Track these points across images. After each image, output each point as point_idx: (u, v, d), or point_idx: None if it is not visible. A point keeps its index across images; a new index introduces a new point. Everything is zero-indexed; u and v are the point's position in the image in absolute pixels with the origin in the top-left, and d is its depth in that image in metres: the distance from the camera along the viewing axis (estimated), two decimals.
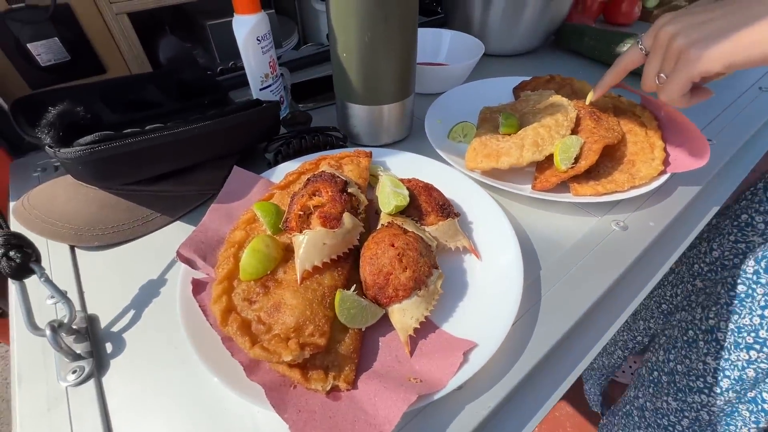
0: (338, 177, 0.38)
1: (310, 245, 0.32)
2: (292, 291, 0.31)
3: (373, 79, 0.48)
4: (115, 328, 0.34)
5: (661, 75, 0.38)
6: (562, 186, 0.45)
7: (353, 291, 0.31)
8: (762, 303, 0.53)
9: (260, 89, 0.56)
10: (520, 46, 0.80)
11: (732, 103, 0.63)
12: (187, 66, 0.60)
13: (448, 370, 0.28)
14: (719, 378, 0.60)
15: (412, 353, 0.31)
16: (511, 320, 0.31)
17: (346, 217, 0.34)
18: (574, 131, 0.48)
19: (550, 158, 0.45)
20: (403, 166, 0.48)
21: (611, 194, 0.43)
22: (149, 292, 0.37)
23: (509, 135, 0.48)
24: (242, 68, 0.55)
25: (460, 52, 0.72)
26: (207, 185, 0.46)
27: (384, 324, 0.32)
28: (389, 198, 0.37)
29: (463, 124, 0.54)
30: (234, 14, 0.51)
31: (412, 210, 0.39)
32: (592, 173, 0.45)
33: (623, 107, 0.53)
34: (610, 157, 0.47)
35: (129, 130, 0.39)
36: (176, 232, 0.43)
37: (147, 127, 0.40)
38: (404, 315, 0.31)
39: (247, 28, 0.50)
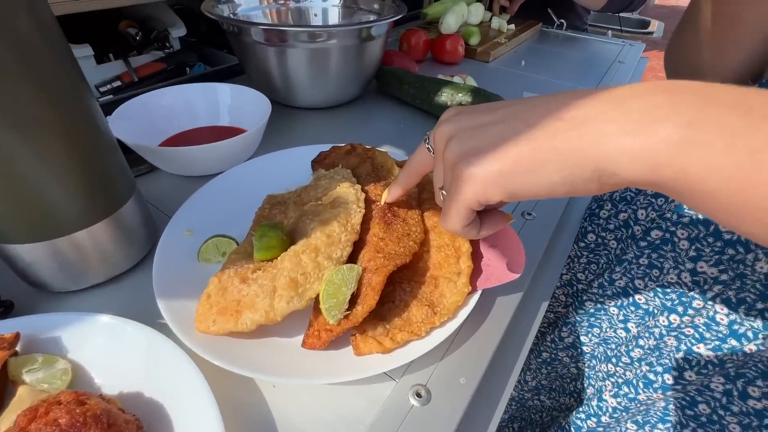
0: None
1: None
2: None
3: (24, 207, 0.28)
4: None
5: (443, 191, 0.27)
6: (345, 338, 0.30)
7: None
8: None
9: None
10: (336, 97, 0.67)
11: None
12: None
13: None
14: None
15: None
16: None
17: None
18: (359, 241, 0.34)
19: (318, 301, 0.31)
20: (93, 343, 0.29)
21: (405, 347, 0.29)
22: None
23: (267, 261, 0.33)
24: None
25: (246, 109, 0.56)
26: None
27: None
28: None
29: (216, 240, 0.37)
30: None
31: None
32: (384, 306, 0.32)
33: (431, 187, 0.42)
34: (408, 273, 0.34)
35: None
36: None
37: None
38: None
39: None
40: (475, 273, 0.34)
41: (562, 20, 1.15)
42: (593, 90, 0.21)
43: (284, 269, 0.30)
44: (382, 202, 0.36)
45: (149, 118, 0.52)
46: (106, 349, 0.29)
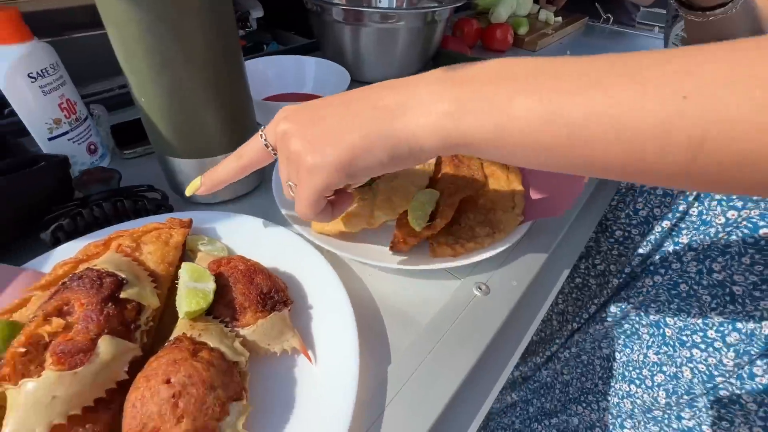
0: (109, 276, 0.27)
1: (28, 405, 0.21)
2: None
3: (191, 129, 0.39)
4: None
5: (290, 184, 0.30)
6: (424, 245, 0.39)
7: None
8: (648, 343, 0.54)
9: (49, 139, 0.43)
10: (399, 73, 0.76)
11: None
12: None
13: None
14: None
15: None
16: None
17: (104, 344, 0.24)
18: (434, 178, 0.43)
19: (406, 215, 0.40)
20: (237, 233, 0.39)
21: (471, 254, 0.38)
22: None
23: (364, 187, 0.42)
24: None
25: (327, 81, 0.65)
26: None
27: None
28: (182, 299, 0.28)
29: None
30: None
31: (222, 308, 0.30)
32: (452, 229, 0.40)
33: None
34: (472, 206, 0.43)
35: None
36: None
37: None
38: None
39: (8, 64, 0.37)
40: (526, 208, 0.42)
41: (609, 15, 1.19)
42: (398, 81, 0.26)
43: (380, 191, 0.40)
44: (187, 194, 0.37)
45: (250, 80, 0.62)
46: (250, 239, 0.39)
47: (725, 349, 0.47)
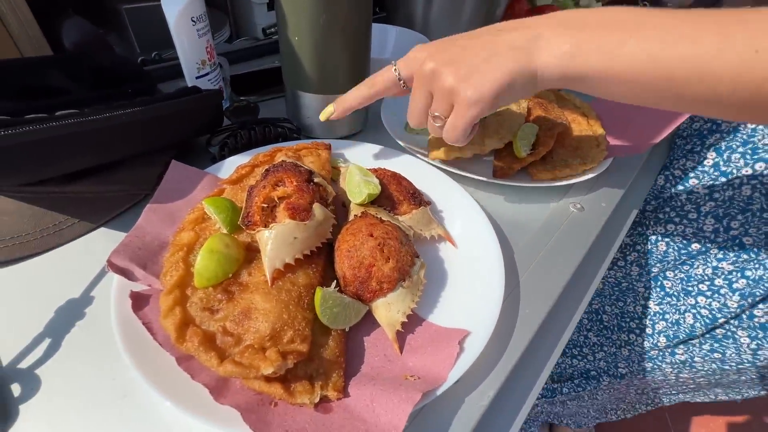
0: (302, 167, 0.34)
1: (279, 241, 0.28)
2: (263, 294, 0.26)
3: (328, 65, 0.45)
4: (24, 364, 0.26)
5: (436, 115, 0.34)
6: (520, 173, 0.46)
7: (334, 288, 0.28)
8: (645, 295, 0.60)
9: (197, 77, 0.50)
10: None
11: None
12: (102, 50, 0.51)
13: (446, 362, 0.26)
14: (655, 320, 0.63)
15: (402, 350, 0.28)
16: (499, 304, 0.30)
17: (317, 208, 0.31)
18: (527, 119, 0.49)
19: (507, 147, 0.46)
20: (365, 157, 0.45)
21: (567, 178, 0.44)
22: (70, 314, 0.29)
23: None
24: (167, 60, 0.49)
25: (406, 48, 0.71)
26: (136, 185, 0.39)
27: (367, 322, 0.29)
28: (360, 187, 0.35)
29: None
30: None
31: (383, 200, 0.36)
32: (547, 160, 0.47)
33: (565, 99, 0.57)
34: (560, 144, 0.49)
35: (31, 116, 0.31)
36: (101, 241, 0.36)
37: (56, 114, 0.32)
38: (390, 309, 0.28)
39: (180, 7, 0.44)
40: (608, 148, 0.49)
41: (646, 2, 1.24)
42: (521, 23, 0.31)
43: (489, 123, 0.46)
44: (322, 119, 0.42)
45: None
46: (375, 163, 0.45)
47: (731, 294, 0.51)
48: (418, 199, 0.37)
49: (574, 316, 0.36)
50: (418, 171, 0.44)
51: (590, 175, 0.45)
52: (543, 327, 0.33)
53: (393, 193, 0.37)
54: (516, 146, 0.44)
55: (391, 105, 0.56)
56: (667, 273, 0.60)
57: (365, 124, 0.55)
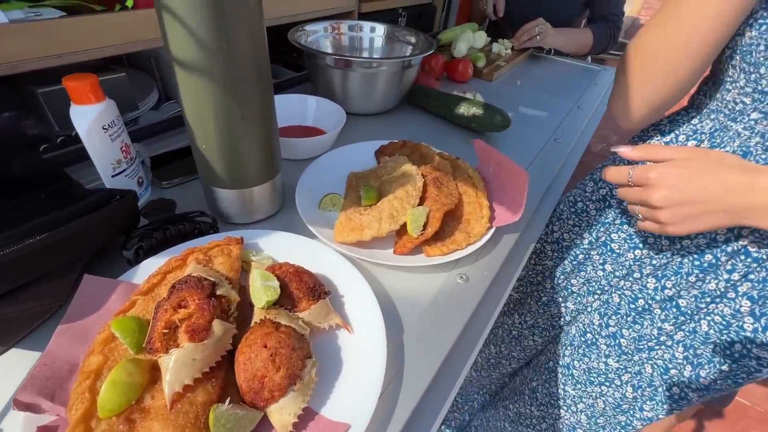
0: (205, 280, 0.38)
1: (178, 365, 0.32)
2: (162, 420, 0.30)
3: (237, 166, 0.50)
4: None
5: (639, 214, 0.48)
6: (418, 248, 0.53)
7: (228, 403, 0.32)
8: (606, 352, 0.68)
9: (112, 176, 0.52)
10: (380, 107, 0.90)
11: (534, 158, 0.81)
12: (14, 153, 0.53)
13: None
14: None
15: None
16: (377, 394, 0.35)
17: (216, 325, 0.35)
18: (422, 198, 0.57)
19: (404, 226, 0.53)
20: (276, 246, 0.50)
21: (453, 253, 0.52)
22: None
23: (370, 206, 0.55)
24: None
25: (326, 116, 0.78)
26: (50, 299, 0.41)
27: (265, 424, 0.34)
28: (260, 293, 0.39)
29: (331, 196, 0.59)
30: (71, 103, 0.47)
31: (284, 299, 0.41)
32: (438, 235, 0.54)
33: (460, 168, 0.65)
34: (451, 217, 0.57)
35: None
36: (13, 363, 0.38)
37: None
38: (282, 413, 0.33)
39: (90, 119, 0.47)
40: (491, 218, 0.57)
41: (552, 48, 1.39)
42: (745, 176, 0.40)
43: (385, 208, 0.53)
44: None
45: None
46: (286, 248, 0.50)
47: (675, 345, 0.59)
48: (317, 292, 0.43)
49: (450, 393, 0.42)
50: (322, 256, 0.49)
51: (474, 248, 0.52)
52: (422, 403, 0.39)
53: (293, 292, 0.42)
54: (408, 228, 0.51)
55: (308, 181, 0.62)
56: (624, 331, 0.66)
57: (283, 203, 0.60)
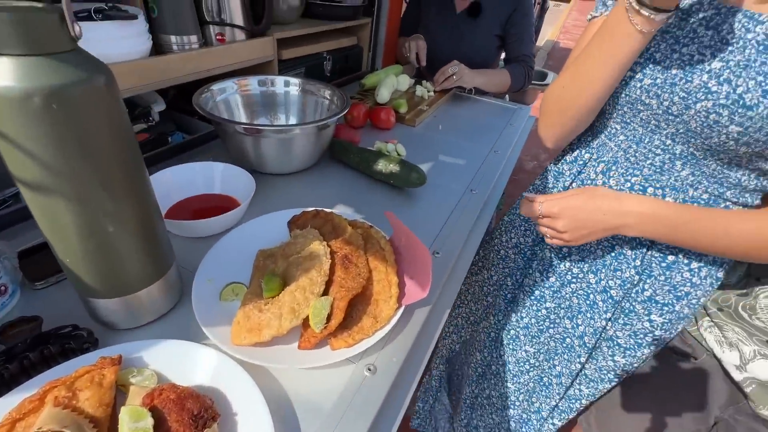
0: None
1: None
2: None
3: (113, 276, 0.45)
4: None
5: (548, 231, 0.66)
6: (325, 340, 0.51)
7: None
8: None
9: None
10: (298, 166, 0.88)
11: (452, 211, 0.83)
12: None
13: None
14: None
15: None
16: None
17: None
18: (329, 281, 0.55)
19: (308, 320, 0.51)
20: (163, 359, 0.46)
21: (361, 342, 0.50)
22: None
23: (272, 297, 0.52)
24: None
25: (234, 183, 0.74)
26: None
27: None
28: None
29: (233, 286, 0.56)
30: None
31: None
32: (346, 322, 0.52)
33: (373, 239, 0.64)
34: (360, 299, 0.55)
35: None
36: None
37: None
38: None
39: None
40: (400, 295, 0.56)
41: (472, 88, 1.47)
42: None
43: (285, 302, 0.50)
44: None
45: (158, 190, 0.69)
46: (175, 361, 0.46)
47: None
48: (203, 420, 0.39)
49: None
50: (217, 368, 0.45)
51: (383, 333, 0.51)
52: None
53: (173, 426, 0.38)
54: (310, 322, 0.49)
55: (209, 269, 0.58)
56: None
57: (182, 294, 0.56)
